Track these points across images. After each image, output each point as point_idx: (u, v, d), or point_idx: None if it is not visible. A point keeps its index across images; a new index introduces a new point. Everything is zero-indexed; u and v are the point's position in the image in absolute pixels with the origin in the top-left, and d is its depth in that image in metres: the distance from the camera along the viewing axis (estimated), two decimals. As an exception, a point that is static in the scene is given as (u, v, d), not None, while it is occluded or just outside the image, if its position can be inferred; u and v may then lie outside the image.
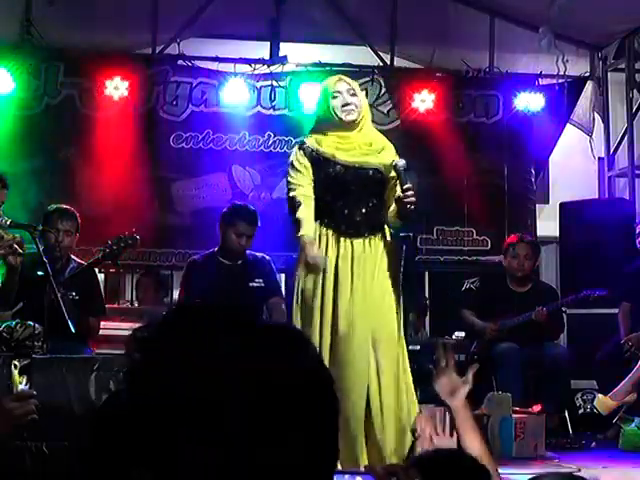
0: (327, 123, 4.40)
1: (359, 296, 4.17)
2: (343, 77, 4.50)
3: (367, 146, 4.30)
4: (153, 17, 7.39)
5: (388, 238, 4.36)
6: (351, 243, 4.24)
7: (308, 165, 4.34)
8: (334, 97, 4.34)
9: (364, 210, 4.27)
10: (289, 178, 4.39)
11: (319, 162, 4.33)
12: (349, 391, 4.05)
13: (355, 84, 4.47)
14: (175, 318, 1.12)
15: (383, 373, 4.17)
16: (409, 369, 4.33)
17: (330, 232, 4.29)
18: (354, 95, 4.35)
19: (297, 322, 4.25)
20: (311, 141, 4.38)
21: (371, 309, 4.19)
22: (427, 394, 4.19)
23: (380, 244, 4.28)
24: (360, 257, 4.21)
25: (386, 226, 4.38)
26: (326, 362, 4.02)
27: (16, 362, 3.11)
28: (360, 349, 4.14)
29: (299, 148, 4.40)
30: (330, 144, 4.35)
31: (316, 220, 4.32)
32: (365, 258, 4.22)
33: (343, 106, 4.30)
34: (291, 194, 4.36)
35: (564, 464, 5.13)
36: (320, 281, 4.22)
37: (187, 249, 7.00)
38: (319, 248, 4.25)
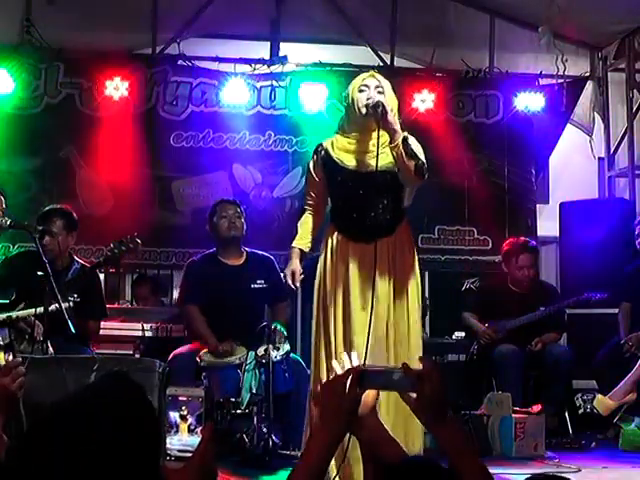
0: (349, 118, 4.29)
1: (372, 303, 4.04)
2: (376, 74, 4.36)
3: (381, 147, 4.08)
4: (153, 17, 7.39)
5: (405, 235, 4.27)
6: (361, 248, 4.17)
7: (320, 172, 4.33)
8: (360, 91, 4.22)
9: (374, 213, 4.19)
10: (305, 184, 4.39)
11: (331, 167, 4.28)
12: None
13: (386, 83, 4.30)
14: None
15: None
16: None
17: (342, 237, 4.24)
18: (381, 93, 4.22)
19: (315, 329, 4.22)
20: (327, 143, 4.33)
21: (381, 316, 4.10)
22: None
23: (394, 244, 4.20)
24: (371, 262, 4.07)
25: (405, 223, 4.29)
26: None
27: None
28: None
29: (314, 152, 4.38)
30: (342, 146, 4.27)
31: (332, 224, 4.31)
32: (378, 262, 4.08)
33: (367, 100, 4.19)
34: (304, 202, 4.49)
35: (564, 464, 5.13)
36: (332, 289, 4.19)
37: (187, 248, 7.00)
38: (299, 267, 4.34)
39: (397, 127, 4.08)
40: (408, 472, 1.88)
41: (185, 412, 3.20)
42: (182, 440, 3.27)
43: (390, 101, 4.24)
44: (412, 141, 4.15)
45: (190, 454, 2.12)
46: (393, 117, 4.13)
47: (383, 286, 4.13)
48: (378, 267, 4.09)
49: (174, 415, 3.14)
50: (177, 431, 3.16)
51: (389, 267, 4.16)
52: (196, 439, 2.56)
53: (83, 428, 1.58)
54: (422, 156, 4.12)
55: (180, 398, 3.32)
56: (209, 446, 1.92)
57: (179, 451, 2.80)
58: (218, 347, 5.45)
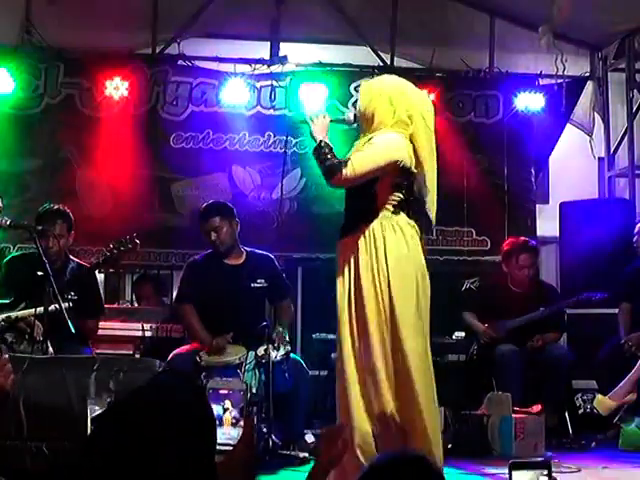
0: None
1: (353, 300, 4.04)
2: (364, 82, 4.37)
3: (360, 147, 4.09)
4: (153, 17, 7.39)
5: (362, 234, 4.07)
6: (339, 245, 4.14)
7: None
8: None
9: (345, 209, 4.17)
10: None
11: None
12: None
13: (366, 88, 4.23)
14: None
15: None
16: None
17: None
18: (357, 101, 4.25)
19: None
20: None
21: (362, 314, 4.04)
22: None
23: (356, 243, 4.06)
24: (349, 258, 4.05)
25: (375, 222, 4.10)
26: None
27: None
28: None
29: None
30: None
31: None
32: (353, 257, 4.05)
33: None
34: None
35: (564, 464, 5.13)
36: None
37: (187, 249, 6.99)
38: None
39: (318, 137, 4.07)
40: (395, 468, 1.90)
41: (227, 405, 3.21)
42: (226, 433, 3.25)
43: (365, 104, 4.16)
44: (375, 142, 4.06)
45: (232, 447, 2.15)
46: (358, 121, 4.15)
47: (340, 286, 4.08)
48: (340, 266, 4.07)
49: (217, 408, 3.14)
50: (220, 424, 3.15)
51: (350, 266, 4.08)
52: (239, 432, 2.57)
53: (149, 425, 1.58)
54: (353, 158, 3.99)
55: (221, 391, 3.30)
56: (251, 439, 1.96)
57: (222, 444, 2.80)
58: (212, 342, 5.45)
